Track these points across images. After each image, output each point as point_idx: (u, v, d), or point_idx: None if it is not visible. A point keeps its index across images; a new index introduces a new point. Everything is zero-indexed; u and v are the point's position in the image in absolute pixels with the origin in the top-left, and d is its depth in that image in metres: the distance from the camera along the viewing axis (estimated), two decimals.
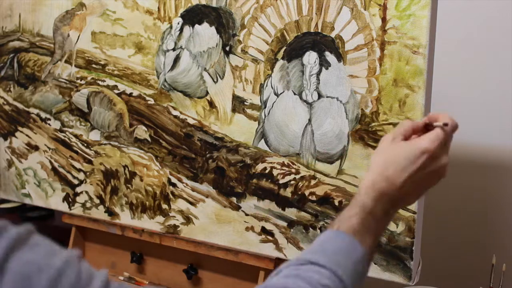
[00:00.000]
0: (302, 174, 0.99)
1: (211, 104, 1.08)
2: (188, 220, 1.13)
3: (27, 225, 0.55)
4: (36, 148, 1.35)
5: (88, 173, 1.27)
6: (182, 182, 1.13)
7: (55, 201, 1.34)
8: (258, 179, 1.04)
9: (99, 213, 1.27)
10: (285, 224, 1.02)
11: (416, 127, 0.70)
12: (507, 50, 1.25)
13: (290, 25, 0.97)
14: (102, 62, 1.21)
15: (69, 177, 1.30)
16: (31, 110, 1.34)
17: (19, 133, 1.38)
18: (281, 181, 1.01)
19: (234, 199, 1.07)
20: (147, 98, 1.16)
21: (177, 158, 1.13)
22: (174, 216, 1.15)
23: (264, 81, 1.01)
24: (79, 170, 1.29)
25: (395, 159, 0.66)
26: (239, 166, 1.05)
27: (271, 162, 1.02)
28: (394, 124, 0.89)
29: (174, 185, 1.14)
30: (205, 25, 1.07)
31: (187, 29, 1.09)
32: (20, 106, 1.36)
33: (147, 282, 1.22)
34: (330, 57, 0.94)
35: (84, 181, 1.28)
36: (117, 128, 1.21)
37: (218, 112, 1.07)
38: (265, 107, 1.01)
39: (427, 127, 0.69)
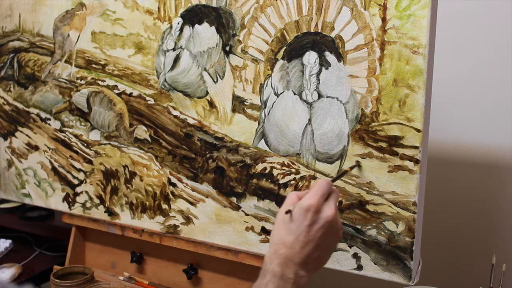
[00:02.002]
0: (302, 174, 0.99)
1: (211, 104, 1.08)
2: (188, 220, 1.13)
3: None
4: (36, 148, 1.35)
5: (88, 173, 1.27)
6: (182, 182, 1.13)
7: (55, 201, 1.34)
8: (258, 179, 1.04)
9: (99, 213, 1.27)
10: None
11: (300, 195, 0.75)
12: (507, 50, 1.25)
13: (290, 25, 0.97)
14: (102, 62, 1.21)
15: (69, 177, 1.31)
16: (31, 110, 1.34)
17: (19, 133, 1.38)
18: (281, 181, 1.01)
19: (234, 199, 1.07)
20: (147, 98, 1.16)
21: (177, 158, 1.13)
22: (174, 216, 1.15)
23: (264, 81, 1.01)
24: (79, 170, 1.29)
25: (287, 226, 0.72)
26: (239, 166, 1.06)
27: (271, 162, 1.02)
28: (394, 124, 0.89)
29: (174, 185, 1.14)
30: (205, 25, 1.07)
31: (187, 29, 1.09)
32: (20, 106, 1.36)
33: (147, 282, 1.22)
34: (330, 57, 0.94)
35: (84, 181, 1.28)
36: (117, 128, 1.21)
37: (218, 112, 1.07)
38: (265, 107, 1.01)
39: None
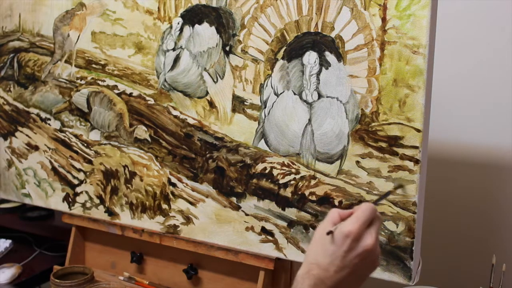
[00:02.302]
0: (302, 174, 0.99)
1: (211, 104, 1.08)
2: (188, 220, 1.13)
3: None
4: (36, 148, 1.35)
5: (88, 173, 1.27)
6: (182, 182, 1.13)
7: (55, 201, 1.34)
8: (258, 179, 1.04)
9: (99, 213, 1.27)
10: (285, 224, 1.02)
11: (343, 215, 0.74)
12: (507, 50, 1.25)
13: (290, 25, 0.97)
14: (102, 62, 1.21)
15: (69, 177, 1.31)
16: (31, 110, 1.34)
17: (19, 133, 1.38)
18: (281, 181, 1.01)
19: (234, 199, 1.07)
20: (147, 98, 1.16)
21: (177, 158, 1.13)
22: (174, 216, 1.15)
23: (264, 81, 1.01)
24: (79, 170, 1.29)
25: (324, 247, 0.70)
26: (239, 166, 1.05)
27: (271, 162, 1.02)
28: (394, 124, 0.89)
29: (174, 185, 1.14)
30: (205, 25, 1.07)
31: (187, 29, 1.09)
32: (20, 106, 1.36)
33: (147, 282, 1.22)
34: (330, 57, 0.94)
35: (84, 181, 1.28)
36: (117, 128, 1.21)
37: (218, 112, 1.07)
38: (265, 107, 1.01)
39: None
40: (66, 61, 1.27)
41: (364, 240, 0.70)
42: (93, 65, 1.23)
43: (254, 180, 1.04)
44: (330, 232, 0.70)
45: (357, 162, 0.93)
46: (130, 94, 1.18)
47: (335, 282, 0.69)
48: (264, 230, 1.04)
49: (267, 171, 1.02)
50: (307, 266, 0.71)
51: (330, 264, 0.69)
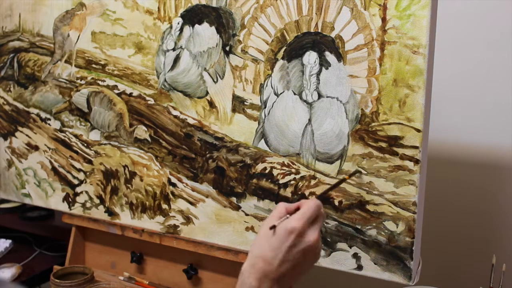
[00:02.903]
0: (302, 174, 0.99)
1: (211, 104, 1.08)
2: (188, 220, 1.14)
3: None
4: (36, 148, 1.35)
5: (88, 173, 1.27)
6: (182, 182, 1.13)
7: (55, 201, 1.34)
8: (258, 179, 1.04)
9: (99, 213, 1.27)
10: None
11: (289, 209, 0.77)
12: (507, 50, 1.25)
13: (290, 25, 0.97)
14: (102, 62, 1.21)
15: (69, 177, 1.31)
16: (31, 110, 1.34)
17: (19, 133, 1.38)
18: (281, 181, 1.01)
19: (234, 199, 1.07)
20: (147, 98, 1.16)
21: (177, 158, 1.13)
22: (174, 216, 1.15)
23: (264, 81, 1.01)
24: (79, 170, 1.29)
25: (269, 241, 0.73)
26: (239, 166, 1.06)
27: (271, 162, 1.02)
28: (394, 124, 0.89)
29: (174, 185, 1.14)
30: (205, 25, 1.07)
31: (187, 29, 1.09)
32: (20, 106, 1.36)
33: (147, 282, 1.22)
34: (330, 57, 0.94)
35: (84, 181, 1.28)
36: (117, 128, 1.21)
37: (218, 112, 1.07)
38: (265, 107, 1.01)
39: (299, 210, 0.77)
40: (66, 61, 1.27)
41: (308, 236, 0.74)
42: (93, 65, 1.23)
43: (254, 180, 1.04)
44: (273, 227, 0.74)
45: (357, 162, 0.93)
46: (130, 94, 1.18)
47: (279, 275, 0.72)
48: None
49: (267, 171, 1.02)
50: (252, 259, 0.74)
51: (274, 258, 0.72)
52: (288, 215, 0.76)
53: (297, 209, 0.77)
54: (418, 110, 0.87)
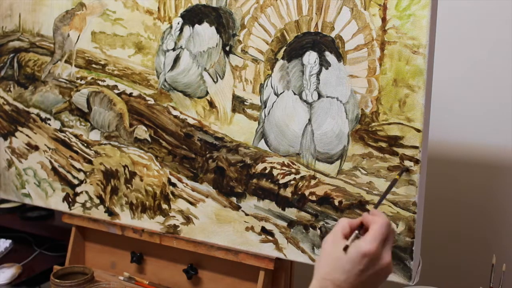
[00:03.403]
0: (302, 174, 0.99)
1: (211, 104, 1.08)
2: (188, 220, 1.13)
3: None
4: (36, 148, 1.35)
5: (88, 173, 1.27)
6: (182, 182, 1.13)
7: (55, 201, 1.34)
8: (258, 179, 1.04)
9: (99, 213, 1.27)
10: (285, 224, 1.02)
11: (353, 224, 0.74)
12: (507, 50, 1.25)
13: (290, 25, 0.97)
14: (102, 62, 1.21)
15: (69, 177, 1.31)
16: (31, 110, 1.34)
17: (19, 133, 1.38)
18: (281, 181, 1.01)
19: (234, 199, 1.07)
20: (147, 98, 1.16)
21: (177, 158, 1.13)
22: (174, 216, 1.15)
23: (264, 81, 1.01)
24: (79, 170, 1.29)
25: (339, 263, 0.69)
26: (239, 166, 1.05)
27: (271, 162, 1.02)
28: (394, 124, 0.89)
29: (174, 185, 1.14)
30: (205, 25, 1.07)
31: (187, 29, 1.09)
32: (20, 106, 1.36)
33: (147, 282, 1.22)
34: (330, 57, 0.94)
35: (84, 181, 1.28)
36: (117, 128, 1.21)
37: (218, 112, 1.07)
38: (265, 107, 1.01)
39: (363, 225, 0.74)
40: (66, 61, 1.27)
41: (382, 258, 0.70)
42: (93, 65, 1.23)
43: (254, 180, 1.04)
44: (346, 247, 0.70)
45: (357, 162, 0.93)
46: (130, 94, 1.18)
47: None
48: (264, 230, 1.04)
49: (267, 171, 1.02)
50: (321, 281, 0.70)
51: (345, 281, 0.69)
52: (357, 232, 0.73)
53: (361, 224, 0.74)
54: (418, 110, 0.87)
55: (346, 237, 0.72)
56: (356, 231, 0.72)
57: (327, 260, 0.71)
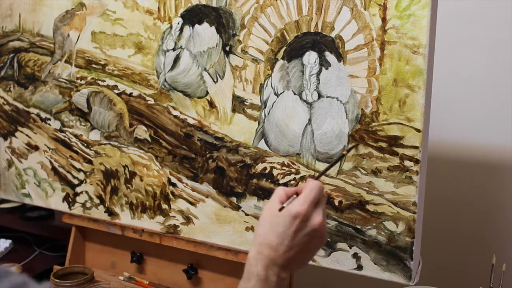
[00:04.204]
0: (302, 174, 0.99)
1: (211, 104, 1.08)
2: (188, 220, 1.14)
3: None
4: (36, 148, 1.35)
5: (88, 173, 1.27)
6: (182, 182, 1.13)
7: (55, 201, 1.34)
8: (258, 179, 1.04)
9: (99, 213, 1.27)
10: None
11: (289, 192, 0.77)
12: (507, 50, 1.25)
13: (290, 25, 0.97)
14: (102, 62, 1.21)
15: (69, 177, 1.31)
16: (31, 110, 1.34)
17: (19, 133, 1.38)
18: (281, 181, 1.01)
19: (234, 199, 1.07)
20: (147, 98, 1.16)
21: (177, 158, 1.13)
22: (174, 216, 1.15)
23: (264, 81, 1.01)
24: (79, 170, 1.29)
25: (273, 227, 0.73)
26: (239, 166, 1.06)
27: (271, 162, 1.02)
28: (394, 124, 0.89)
29: (174, 185, 1.14)
30: (205, 25, 1.07)
31: (187, 29, 1.09)
32: (20, 106, 1.36)
33: (147, 282, 1.22)
34: (330, 57, 0.94)
35: (84, 181, 1.28)
36: (117, 128, 1.21)
37: (218, 112, 1.07)
38: (265, 107, 1.01)
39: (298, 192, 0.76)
40: (66, 61, 1.27)
41: (312, 219, 0.73)
42: (93, 65, 1.23)
43: (254, 180, 1.04)
44: (281, 208, 0.73)
45: (357, 162, 0.93)
46: (130, 94, 1.18)
47: (285, 261, 0.72)
48: None
49: (267, 171, 1.03)
50: (258, 247, 0.73)
51: (280, 244, 0.71)
52: (295, 196, 0.75)
53: (297, 193, 0.76)
54: (418, 110, 0.87)
55: (282, 203, 0.75)
56: (294, 196, 0.75)
57: (264, 226, 0.74)
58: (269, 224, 0.73)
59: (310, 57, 0.95)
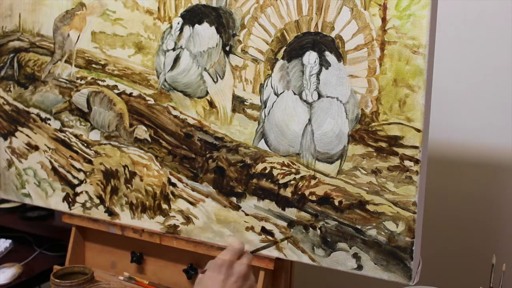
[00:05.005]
0: (302, 174, 0.99)
1: (211, 104, 1.08)
2: (188, 220, 1.14)
3: None
4: (36, 148, 1.35)
5: (88, 173, 1.27)
6: (182, 182, 1.13)
7: (55, 201, 1.34)
8: (258, 179, 1.04)
9: (99, 213, 1.27)
10: (285, 224, 1.02)
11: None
12: (507, 49, 1.25)
13: (290, 25, 0.97)
14: (102, 62, 1.21)
15: (69, 177, 1.31)
16: (31, 110, 1.34)
17: (19, 133, 1.38)
18: (281, 181, 1.01)
19: (234, 199, 1.07)
20: (147, 98, 1.16)
21: (177, 158, 1.13)
22: (174, 216, 1.15)
23: (264, 81, 1.01)
24: (79, 170, 1.29)
25: (202, 283, 0.91)
26: (239, 166, 1.06)
27: (271, 162, 1.02)
28: (394, 124, 0.89)
29: (174, 185, 1.14)
30: (205, 25, 1.07)
31: (187, 29, 1.09)
32: (20, 106, 1.36)
33: (147, 282, 1.22)
34: (330, 57, 0.94)
35: (84, 181, 1.28)
36: (117, 128, 1.21)
37: (218, 112, 1.07)
38: (265, 107, 1.01)
39: None
40: (66, 61, 1.27)
41: (237, 267, 0.90)
42: (93, 65, 1.23)
43: (254, 180, 1.04)
44: (204, 271, 0.91)
45: (357, 162, 0.93)
46: (130, 94, 1.18)
47: None
48: (264, 230, 1.04)
49: (267, 171, 1.02)
50: None
51: None
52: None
53: None
54: (418, 110, 0.87)
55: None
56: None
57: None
58: (197, 285, 0.91)
59: (310, 57, 0.95)
